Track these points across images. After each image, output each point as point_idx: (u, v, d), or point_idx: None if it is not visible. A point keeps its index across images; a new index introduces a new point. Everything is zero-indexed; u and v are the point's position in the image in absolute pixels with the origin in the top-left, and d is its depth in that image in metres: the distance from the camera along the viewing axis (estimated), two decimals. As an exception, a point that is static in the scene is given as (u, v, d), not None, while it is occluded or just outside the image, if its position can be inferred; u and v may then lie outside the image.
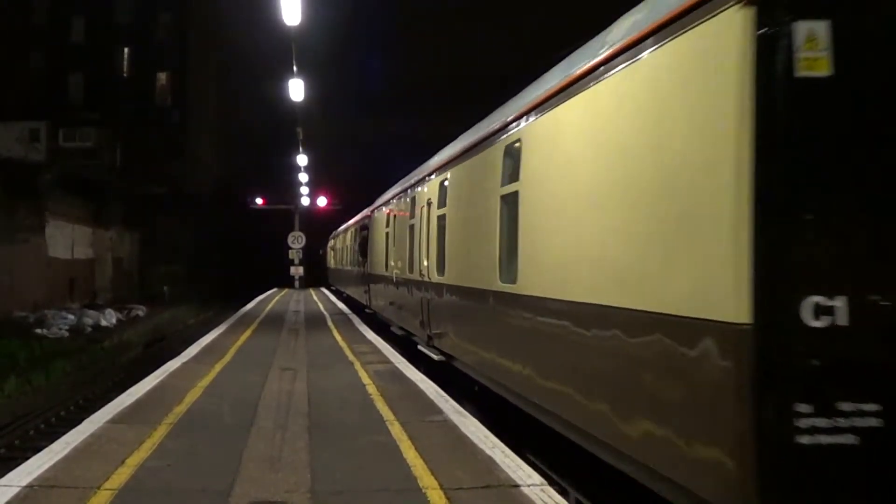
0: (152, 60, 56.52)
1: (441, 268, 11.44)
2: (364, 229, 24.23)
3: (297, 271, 45.41)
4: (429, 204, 12.74)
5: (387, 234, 18.45)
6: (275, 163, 61.79)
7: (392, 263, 17.08)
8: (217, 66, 66.72)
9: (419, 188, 13.93)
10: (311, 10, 24.68)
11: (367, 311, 23.98)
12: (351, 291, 31.71)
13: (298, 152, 45.08)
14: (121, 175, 50.35)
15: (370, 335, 18.17)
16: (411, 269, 14.15)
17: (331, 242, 49.66)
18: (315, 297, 37.63)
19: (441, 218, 11.64)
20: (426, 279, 12.53)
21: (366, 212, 24.86)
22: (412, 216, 14.45)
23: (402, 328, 16.17)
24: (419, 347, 13.39)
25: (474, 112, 11.20)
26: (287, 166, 53.70)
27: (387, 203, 19.08)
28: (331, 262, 49.01)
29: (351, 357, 14.01)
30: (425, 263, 12.64)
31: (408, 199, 15.19)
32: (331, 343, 16.69)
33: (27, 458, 7.02)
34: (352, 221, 32.49)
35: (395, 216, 17.20)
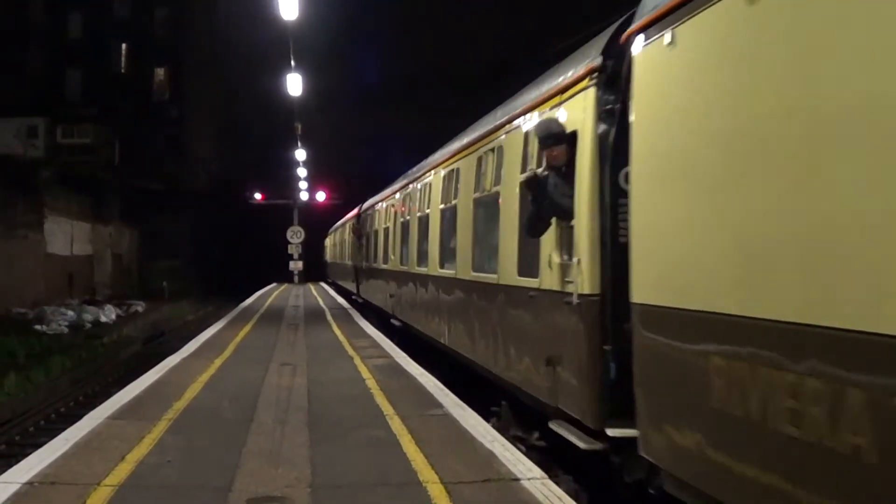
0: (150, 56, 56.49)
1: None
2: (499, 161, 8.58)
3: (297, 266, 45.30)
4: None
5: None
6: (273, 158, 61.81)
7: None
8: (215, 62, 66.61)
9: None
10: (309, 4, 24.57)
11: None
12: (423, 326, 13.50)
13: (297, 147, 45.14)
14: (119, 171, 50.35)
15: (369, 329, 18.15)
16: None
17: (349, 225, 32.60)
18: (314, 292, 37.62)
19: None
20: None
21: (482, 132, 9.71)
22: None
23: None
24: None
25: (472, 107, 10.99)
26: (286, 161, 53.79)
27: None
28: (349, 259, 32.46)
29: (350, 351, 13.99)
30: None
31: None
32: (330, 337, 16.66)
33: (27, 455, 7.02)
34: (405, 177, 16.90)
35: None
